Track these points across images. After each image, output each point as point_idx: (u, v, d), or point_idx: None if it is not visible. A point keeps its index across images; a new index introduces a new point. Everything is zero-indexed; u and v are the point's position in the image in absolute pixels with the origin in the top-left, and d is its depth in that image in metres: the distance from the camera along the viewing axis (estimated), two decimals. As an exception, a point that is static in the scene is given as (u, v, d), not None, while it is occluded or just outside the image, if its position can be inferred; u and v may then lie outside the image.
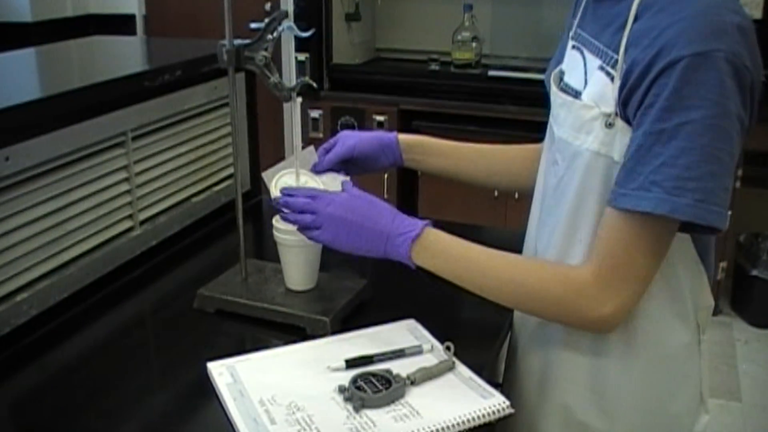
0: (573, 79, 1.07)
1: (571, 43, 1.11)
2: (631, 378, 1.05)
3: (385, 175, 3.16)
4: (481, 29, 3.27)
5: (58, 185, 1.23)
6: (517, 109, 2.89)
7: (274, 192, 1.19)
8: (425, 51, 3.38)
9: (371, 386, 0.98)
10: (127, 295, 1.35)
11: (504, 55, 3.26)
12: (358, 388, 0.98)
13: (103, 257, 1.34)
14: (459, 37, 3.24)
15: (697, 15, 0.88)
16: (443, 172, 1.35)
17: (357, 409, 0.96)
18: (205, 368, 1.06)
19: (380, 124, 3.16)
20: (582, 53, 1.06)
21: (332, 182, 1.22)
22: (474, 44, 3.24)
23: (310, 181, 1.23)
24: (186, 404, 1.05)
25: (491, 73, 3.10)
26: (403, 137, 1.33)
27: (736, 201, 2.54)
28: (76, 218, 1.28)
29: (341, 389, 0.99)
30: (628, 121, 0.94)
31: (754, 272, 3.12)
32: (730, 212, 0.93)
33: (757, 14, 2.75)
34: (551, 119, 1.12)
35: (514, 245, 1.22)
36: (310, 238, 1.11)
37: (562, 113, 1.06)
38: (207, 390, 1.03)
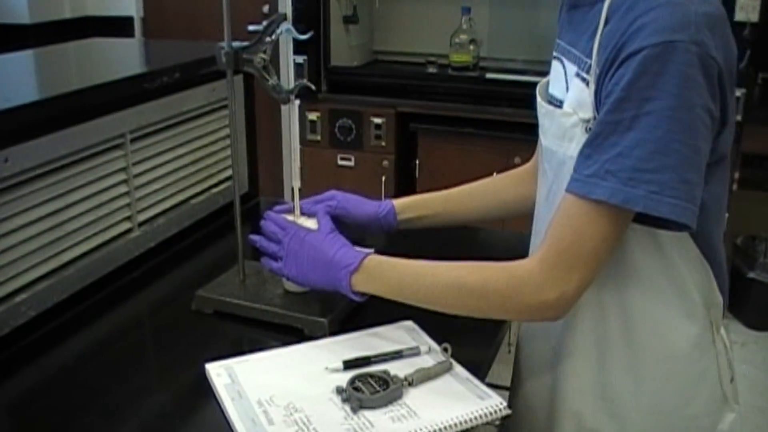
0: (556, 89, 1.07)
1: (553, 53, 1.12)
2: (640, 381, 1.04)
3: (383, 178, 3.16)
4: (478, 32, 3.27)
5: (57, 187, 1.23)
6: (514, 111, 2.89)
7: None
8: (423, 54, 3.39)
9: (369, 387, 0.99)
10: (125, 297, 1.35)
11: (501, 58, 3.27)
12: (356, 389, 0.99)
13: (102, 259, 1.34)
14: (457, 40, 3.25)
15: (661, 7, 0.87)
16: (440, 224, 1.34)
17: (355, 410, 0.96)
18: (203, 369, 1.07)
19: (378, 127, 3.16)
20: (562, 63, 1.06)
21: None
22: (472, 47, 3.24)
23: (307, 221, 1.23)
24: (184, 405, 1.05)
25: (489, 75, 3.10)
26: (398, 207, 1.32)
27: (733, 203, 2.54)
28: (75, 220, 1.28)
29: (339, 390, 0.99)
30: None
31: (751, 274, 3.12)
32: (726, 211, 0.93)
33: (754, 17, 2.75)
34: (539, 130, 1.12)
35: (513, 247, 1.22)
36: (273, 271, 1.17)
37: (546, 123, 1.07)
38: (205, 391, 1.03)
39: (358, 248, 1.11)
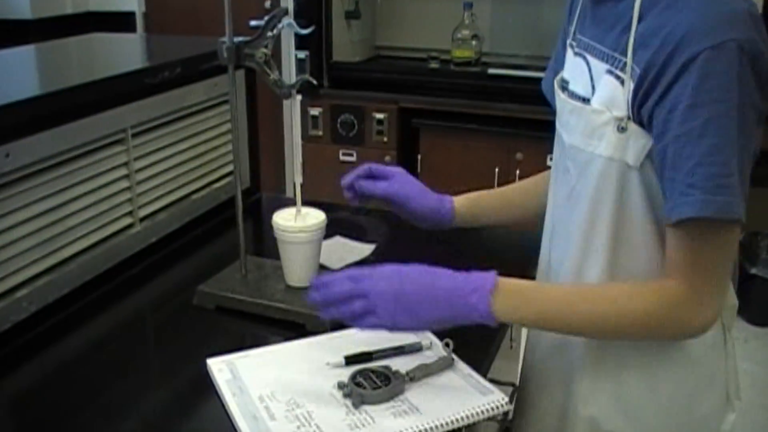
0: (579, 87, 1.05)
1: (572, 50, 1.09)
2: (655, 385, 1.03)
3: (385, 173, 3.15)
4: (481, 27, 3.26)
5: (57, 182, 1.23)
6: (516, 107, 2.88)
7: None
8: (425, 49, 3.38)
9: (370, 382, 0.99)
10: (126, 292, 1.35)
11: (504, 53, 3.26)
12: (358, 384, 0.99)
13: (103, 254, 1.34)
14: (459, 35, 3.24)
15: (706, 5, 0.86)
16: (491, 223, 1.31)
17: (356, 406, 0.96)
18: (204, 365, 1.06)
19: (380, 122, 3.16)
20: (585, 59, 1.04)
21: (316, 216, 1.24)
22: (474, 42, 3.24)
23: (308, 217, 1.23)
24: (186, 401, 1.05)
25: (491, 71, 3.10)
26: (458, 205, 1.25)
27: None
28: (76, 215, 1.28)
29: (341, 385, 0.99)
30: (641, 124, 0.92)
31: (754, 271, 3.12)
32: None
33: (758, 9, 2.75)
34: (559, 127, 1.09)
35: (517, 246, 1.22)
36: (365, 328, 0.96)
37: (572, 120, 1.03)
38: (207, 386, 1.03)
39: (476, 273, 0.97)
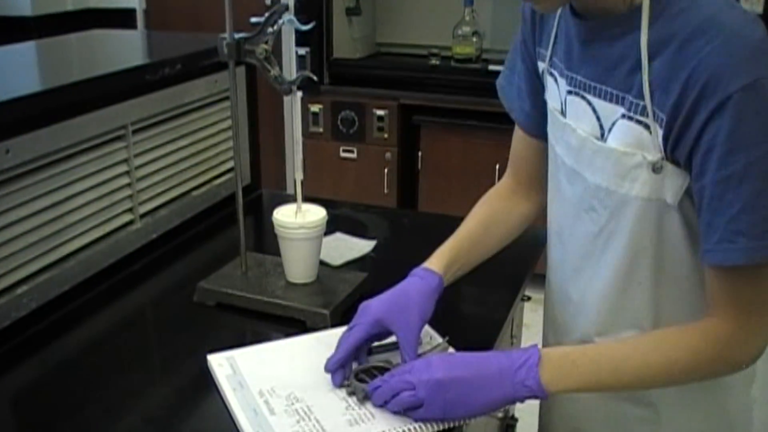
0: (584, 124, 1.00)
1: (552, 77, 1.06)
2: (712, 423, 1.02)
3: (385, 170, 3.16)
4: (481, 24, 3.26)
5: (58, 178, 1.23)
6: (517, 103, 2.88)
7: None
8: (426, 46, 3.38)
9: (372, 378, 0.99)
10: (127, 289, 1.35)
11: (505, 50, 3.22)
12: (360, 380, 0.99)
13: (104, 250, 1.34)
14: (459, 32, 3.24)
15: (727, 42, 0.82)
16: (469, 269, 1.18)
17: (361, 401, 0.96)
18: (205, 361, 1.07)
19: (380, 119, 3.16)
20: (585, 99, 0.99)
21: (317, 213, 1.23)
22: (474, 39, 3.24)
23: (308, 214, 1.23)
24: (186, 396, 1.05)
25: (492, 67, 3.10)
26: (441, 272, 1.11)
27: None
28: (77, 211, 1.28)
29: (344, 384, 0.99)
30: (676, 163, 0.89)
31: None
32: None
33: (759, 8, 2.74)
34: (573, 163, 1.03)
35: (517, 246, 1.22)
36: (417, 420, 0.93)
37: (597, 161, 0.98)
38: (207, 382, 1.03)
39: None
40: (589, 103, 0.98)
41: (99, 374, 1.10)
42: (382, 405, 0.94)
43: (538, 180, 1.18)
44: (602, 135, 0.97)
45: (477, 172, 3.05)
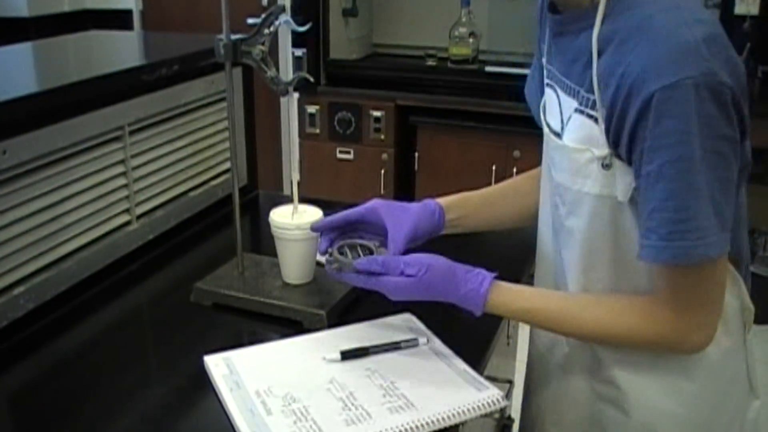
0: (552, 119, 1.04)
1: (545, 80, 1.08)
2: (680, 401, 1.02)
3: (382, 171, 3.16)
4: (478, 25, 3.27)
5: (55, 179, 1.23)
6: (514, 104, 2.89)
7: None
8: (422, 47, 3.39)
9: (354, 253, 1.01)
10: (124, 289, 1.36)
11: (501, 51, 3.27)
12: (342, 253, 1.01)
13: (101, 251, 1.34)
14: (456, 33, 3.24)
15: (658, 42, 0.84)
16: (479, 227, 1.25)
17: (336, 271, 1.00)
18: (202, 361, 1.07)
19: (377, 120, 3.16)
20: (555, 91, 1.02)
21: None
22: (471, 40, 3.24)
23: (305, 214, 1.23)
24: (183, 397, 1.05)
25: (488, 68, 3.10)
26: (444, 207, 1.18)
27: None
28: (74, 212, 1.28)
29: (325, 252, 1.03)
30: (623, 160, 0.91)
31: (751, 268, 3.12)
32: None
33: (754, 10, 2.75)
34: (546, 158, 1.07)
35: (512, 246, 1.22)
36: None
37: (557, 157, 1.02)
38: (204, 383, 1.04)
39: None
40: (558, 97, 1.01)
41: (96, 375, 1.10)
42: (358, 273, 1.01)
43: None
44: (561, 128, 1.00)
45: (474, 173, 3.05)
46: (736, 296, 1.01)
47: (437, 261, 1.01)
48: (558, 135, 1.01)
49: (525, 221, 1.23)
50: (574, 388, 1.09)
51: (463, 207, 1.20)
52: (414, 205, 1.15)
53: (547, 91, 1.06)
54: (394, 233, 1.07)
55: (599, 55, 0.91)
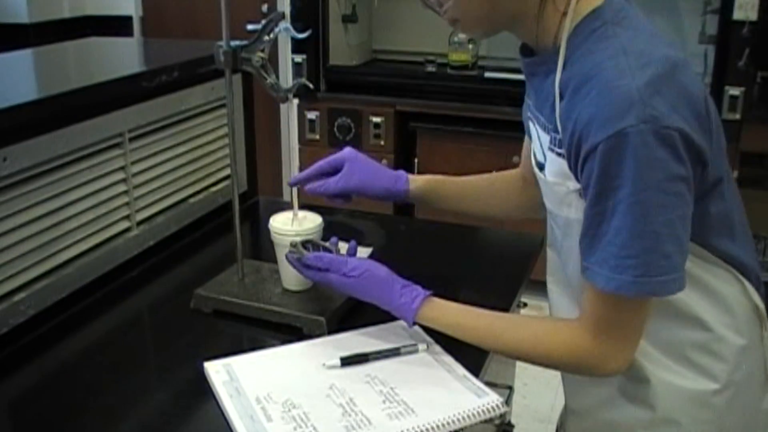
0: (537, 151, 1.08)
1: (528, 113, 1.12)
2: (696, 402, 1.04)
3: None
4: (477, 31, 3.27)
5: (55, 186, 1.24)
6: (513, 110, 2.89)
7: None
8: (422, 53, 3.39)
9: (315, 250, 1.14)
10: (124, 296, 1.36)
11: (500, 57, 3.27)
12: (305, 248, 1.15)
13: (101, 257, 1.35)
14: (455, 39, 3.25)
15: (602, 92, 0.87)
16: (450, 209, 1.35)
17: (296, 261, 1.13)
18: (202, 368, 1.07)
19: (377, 126, 3.16)
20: (535, 126, 1.07)
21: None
22: (470, 46, 3.25)
23: (305, 221, 1.24)
24: (183, 403, 1.05)
25: (487, 74, 3.11)
26: (413, 186, 1.30)
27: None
28: (74, 218, 1.29)
29: (292, 244, 1.15)
30: None
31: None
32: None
33: (753, 16, 2.76)
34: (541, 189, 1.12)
35: (510, 246, 1.23)
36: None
37: (544, 188, 1.07)
38: (204, 389, 1.04)
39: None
40: (537, 131, 1.06)
41: (97, 381, 1.10)
42: (309, 267, 1.13)
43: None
44: (544, 160, 1.04)
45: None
46: (741, 292, 1.03)
47: (378, 270, 1.10)
48: (541, 168, 1.05)
49: (507, 210, 1.36)
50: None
51: (433, 190, 1.32)
52: (380, 165, 1.30)
53: (529, 124, 1.11)
54: (341, 178, 1.24)
55: (561, 97, 0.95)
